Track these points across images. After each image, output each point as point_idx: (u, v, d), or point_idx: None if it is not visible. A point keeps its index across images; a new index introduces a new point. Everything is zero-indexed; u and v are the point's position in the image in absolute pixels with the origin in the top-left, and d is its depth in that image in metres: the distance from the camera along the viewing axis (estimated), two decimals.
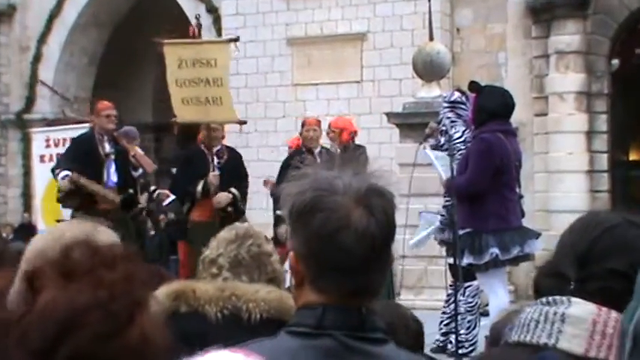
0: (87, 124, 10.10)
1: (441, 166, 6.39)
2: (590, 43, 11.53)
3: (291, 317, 1.58)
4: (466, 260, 5.88)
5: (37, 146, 10.56)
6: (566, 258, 1.73)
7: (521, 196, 6.43)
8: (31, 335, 1.15)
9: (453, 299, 6.48)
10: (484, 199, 5.94)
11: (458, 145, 6.54)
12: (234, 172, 7.66)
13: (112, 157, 7.48)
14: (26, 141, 14.35)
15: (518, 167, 6.26)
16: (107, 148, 7.54)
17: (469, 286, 6.60)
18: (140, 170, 7.74)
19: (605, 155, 11.65)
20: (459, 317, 6.30)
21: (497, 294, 5.99)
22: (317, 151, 8.11)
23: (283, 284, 2.87)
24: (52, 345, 1.14)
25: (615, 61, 11.92)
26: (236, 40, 8.08)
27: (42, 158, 10.38)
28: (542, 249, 6.21)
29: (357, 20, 12.51)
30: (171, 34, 16.81)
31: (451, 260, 6.23)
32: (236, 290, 2.59)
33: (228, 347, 1.19)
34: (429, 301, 9.16)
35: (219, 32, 13.69)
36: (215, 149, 7.72)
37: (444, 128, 6.67)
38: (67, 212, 8.38)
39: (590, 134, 11.50)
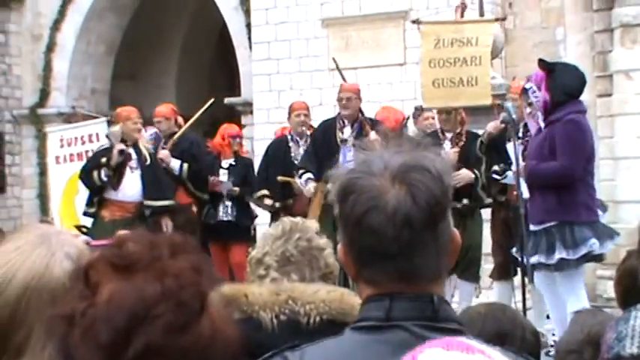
0: (102, 120, 10.18)
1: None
2: None
3: (355, 316, 1.56)
4: (558, 255, 5.74)
5: (52, 146, 10.66)
6: None
7: None
8: (100, 329, 1.15)
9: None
10: (574, 188, 5.81)
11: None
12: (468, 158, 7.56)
13: (351, 143, 7.65)
14: (41, 138, 14.47)
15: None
16: (346, 134, 7.73)
17: None
18: None
19: None
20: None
21: (578, 296, 5.84)
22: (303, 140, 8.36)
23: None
24: (124, 338, 1.14)
25: None
26: (503, 19, 8.42)
27: (57, 159, 10.47)
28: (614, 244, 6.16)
29: None
30: (195, 17, 16.95)
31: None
32: (293, 292, 2.59)
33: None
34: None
35: (247, 14, 13.73)
36: (449, 135, 7.80)
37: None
38: (85, 218, 8.51)
39: None
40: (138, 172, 8.12)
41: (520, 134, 7.10)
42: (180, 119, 9.23)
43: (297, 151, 8.46)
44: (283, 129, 9.71)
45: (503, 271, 7.38)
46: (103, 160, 8.00)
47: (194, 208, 8.85)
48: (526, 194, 6.13)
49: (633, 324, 1.61)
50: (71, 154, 10.16)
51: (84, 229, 8.08)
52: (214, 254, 8.73)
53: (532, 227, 5.95)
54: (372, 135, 7.45)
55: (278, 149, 8.69)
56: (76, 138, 10.20)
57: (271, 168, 8.55)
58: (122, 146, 8.06)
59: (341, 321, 2.51)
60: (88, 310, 1.19)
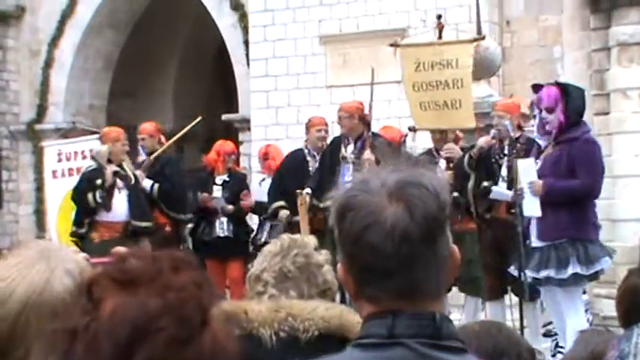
0: (98, 135, 10.22)
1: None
2: None
3: (356, 333, 1.56)
4: (572, 270, 5.79)
5: (49, 161, 10.65)
6: None
7: None
8: (102, 342, 1.16)
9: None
10: (585, 206, 5.91)
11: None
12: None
13: (350, 161, 7.70)
14: (38, 153, 14.48)
15: None
16: (348, 151, 7.82)
17: None
18: None
19: None
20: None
21: (578, 312, 5.93)
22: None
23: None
24: (126, 351, 1.15)
25: None
26: (482, 38, 8.32)
27: (54, 174, 10.46)
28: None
29: (396, 15, 12.52)
30: (193, 34, 16.99)
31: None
32: (292, 309, 2.59)
33: None
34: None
35: (245, 31, 13.78)
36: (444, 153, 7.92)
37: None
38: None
39: None
40: (125, 193, 8.24)
41: (506, 151, 7.14)
42: (162, 138, 9.29)
43: (315, 165, 8.55)
44: (267, 146, 9.83)
45: (494, 292, 7.39)
46: (99, 181, 8.09)
47: (167, 228, 8.90)
48: (538, 213, 6.03)
49: (636, 342, 1.58)
50: (70, 169, 10.14)
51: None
52: (211, 270, 8.73)
53: (537, 243, 5.97)
54: (366, 154, 7.47)
55: (294, 163, 8.72)
56: (75, 152, 10.20)
57: (288, 181, 8.59)
58: (115, 167, 8.17)
59: (340, 338, 2.52)
60: (90, 325, 1.20)
